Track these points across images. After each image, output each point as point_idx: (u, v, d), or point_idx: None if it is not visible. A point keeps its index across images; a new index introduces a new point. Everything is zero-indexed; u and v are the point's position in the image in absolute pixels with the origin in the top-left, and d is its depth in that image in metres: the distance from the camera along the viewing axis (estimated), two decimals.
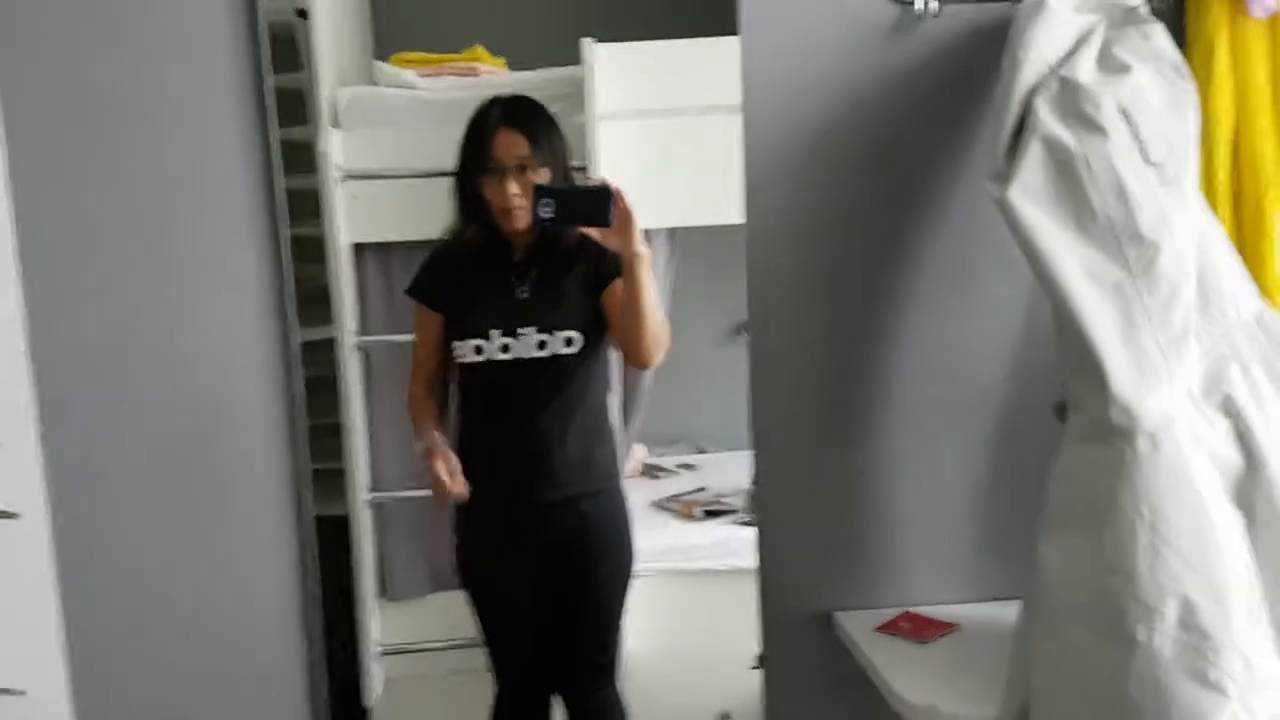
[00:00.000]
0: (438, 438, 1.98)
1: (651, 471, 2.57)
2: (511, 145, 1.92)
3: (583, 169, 2.28)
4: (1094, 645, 1.28)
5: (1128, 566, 1.27)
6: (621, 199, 1.77)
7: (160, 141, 1.75)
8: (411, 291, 2.05)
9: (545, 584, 2.05)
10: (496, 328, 1.95)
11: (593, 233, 1.80)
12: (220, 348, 1.81)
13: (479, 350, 1.96)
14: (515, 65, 2.35)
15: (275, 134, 1.80)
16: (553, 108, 2.33)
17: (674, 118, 2.31)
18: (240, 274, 1.79)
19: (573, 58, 2.29)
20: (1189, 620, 1.24)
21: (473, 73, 2.34)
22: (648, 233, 2.40)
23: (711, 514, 2.44)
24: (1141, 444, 1.31)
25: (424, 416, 2.03)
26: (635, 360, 1.98)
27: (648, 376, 2.46)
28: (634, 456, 2.58)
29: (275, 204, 1.79)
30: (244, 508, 1.85)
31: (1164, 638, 1.24)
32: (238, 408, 1.82)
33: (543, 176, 1.92)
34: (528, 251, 1.99)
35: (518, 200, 1.91)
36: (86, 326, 1.77)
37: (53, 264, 1.75)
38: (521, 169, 1.92)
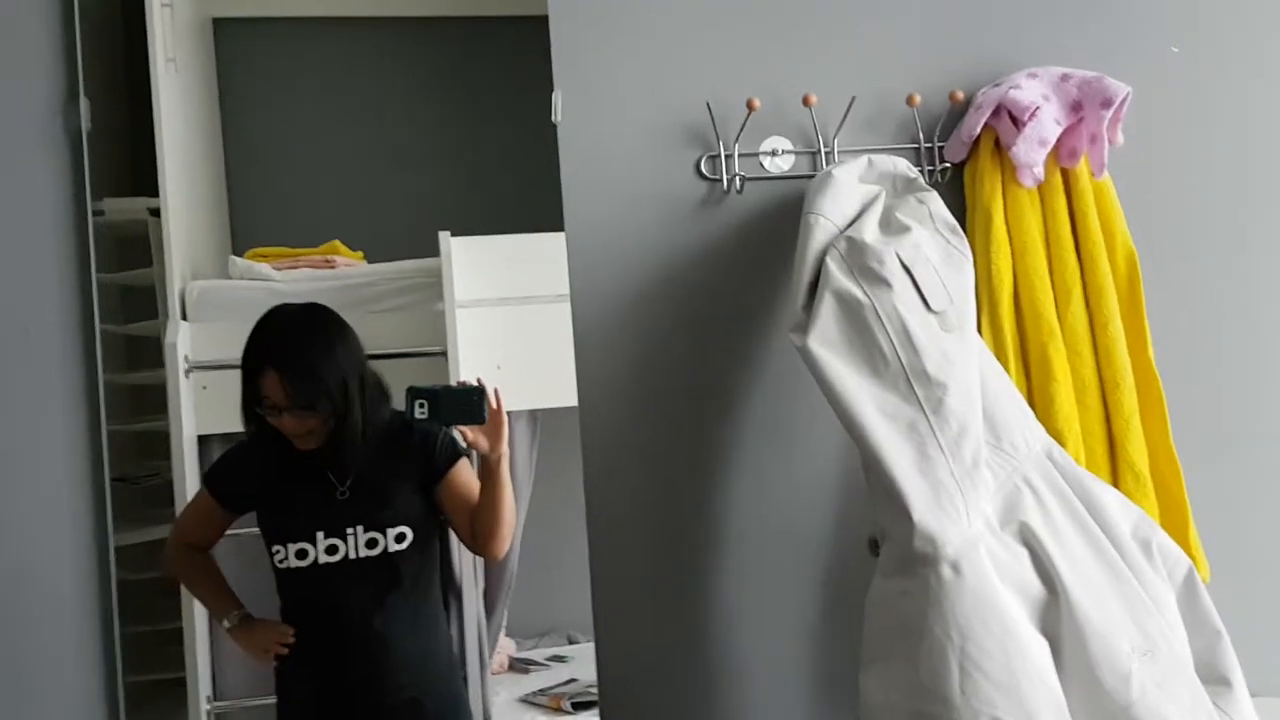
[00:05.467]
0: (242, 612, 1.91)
1: (521, 666, 2.47)
2: (277, 388, 1.81)
3: (443, 354, 2.32)
4: None
5: (943, 692, 1.26)
6: (493, 397, 1.78)
7: None
8: (208, 481, 1.94)
9: None
10: (321, 529, 1.87)
11: (467, 431, 1.79)
12: (33, 557, 1.76)
13: (303, 554, 1.87)
14: (374, 258, 2.44)
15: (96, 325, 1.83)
16: (411, 297, 2.38)
17: (528, 305, 2.36)
18: (55, 470, 1.77)
19: (430, 249, 2.37)
20: None
21: (330, 265, 2.38)
22: (510, 415, 2.43)
23: (580, 706, 2.33)
24: (945, 571, 1.32)
25: (206, 582, 1.94)
26: (487, 553, 1.92)
27: (511, 566, 2.40)
28: (501, 651, 2.48)
29: (98, 393, 1.80)
30: None
31: None
32: (48, 618, 1.77)
33: (308, 418, 1.82)
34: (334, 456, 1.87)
35: (295, 434, 1.83)
36: None
37: None
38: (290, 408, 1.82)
